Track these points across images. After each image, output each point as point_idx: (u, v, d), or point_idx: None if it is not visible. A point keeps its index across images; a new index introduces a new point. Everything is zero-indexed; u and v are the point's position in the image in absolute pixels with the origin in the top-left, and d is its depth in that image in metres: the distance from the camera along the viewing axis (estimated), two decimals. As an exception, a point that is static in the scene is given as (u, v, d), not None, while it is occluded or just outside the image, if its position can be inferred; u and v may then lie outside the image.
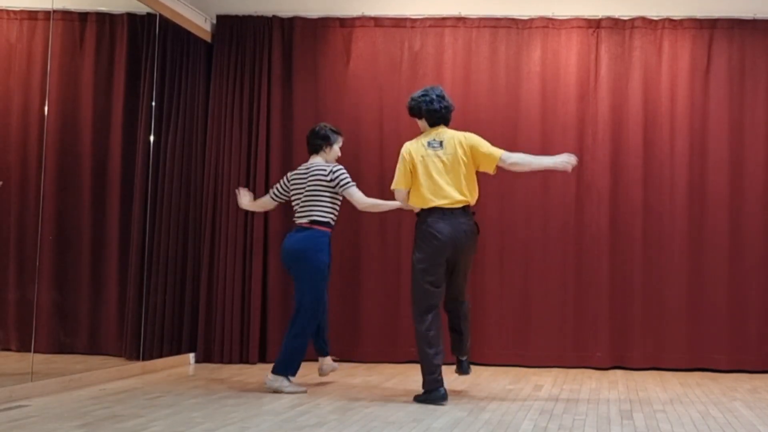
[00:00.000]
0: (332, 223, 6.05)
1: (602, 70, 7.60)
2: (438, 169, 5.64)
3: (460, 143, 5.71)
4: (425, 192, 5.63)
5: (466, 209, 5.69)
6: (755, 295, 7.41)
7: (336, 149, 6.18)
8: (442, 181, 5.62)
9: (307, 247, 5.93)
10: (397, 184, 5.76)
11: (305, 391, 5.91)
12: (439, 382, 5.53)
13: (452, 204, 5.62)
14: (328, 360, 6.35)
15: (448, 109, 5.79)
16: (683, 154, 7.52)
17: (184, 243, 7.44)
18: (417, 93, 5.84)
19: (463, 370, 5.95)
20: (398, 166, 5.75)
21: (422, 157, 5.66)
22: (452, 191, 5.62)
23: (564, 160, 5.78)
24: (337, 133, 6.22)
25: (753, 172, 7.47)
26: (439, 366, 5.55)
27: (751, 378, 7.07)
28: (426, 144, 5.70)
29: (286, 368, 5.91)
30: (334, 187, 5.97)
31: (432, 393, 5.52)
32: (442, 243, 5.59)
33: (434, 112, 5.74)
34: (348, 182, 5.97)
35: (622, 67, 7.61)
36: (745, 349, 7.38)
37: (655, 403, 5.77)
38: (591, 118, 7.60)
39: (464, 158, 5.69)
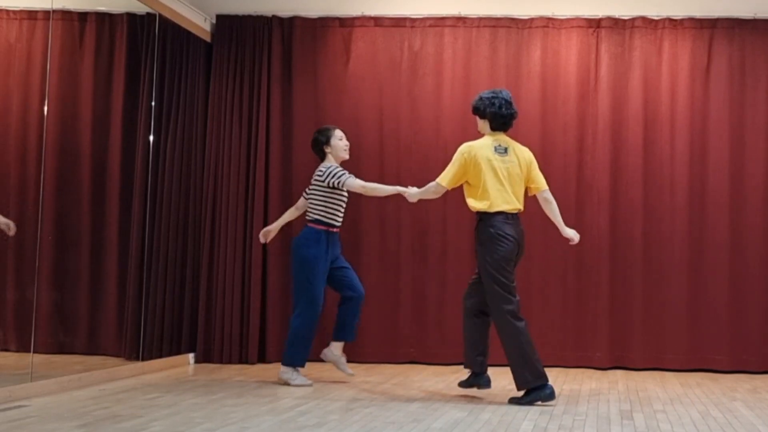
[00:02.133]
0: (324, 220, 6.24)
1: (602, 70, 7.60)
2: (503, 175, 5.70)
3: (522, 155, 5.83)
4: (493, 195, 5.66)
5: (518, 216, 5.78)
6: (756, 295, 7.41)
7: (336, 143, 6.34)
8: (507, 187, 5.70)
9: (295, 243, 6.30)
10: (446, 180, 5.75)
11: (311, 384, 6.17)
12: (545, 377, 5.58)
13: (513, 210, 5.71)
14: (336, 346, 6.41)
15: (512, 117, 5.84)
16: (683, 154, 7.52)
17: (183, 243, 7.44)
18: (486, 93, 5.87)
19: (485, 383, 5.81)
20: (455, 164, 5.73)
21: (489, 159, 5.69)
22: (513, 198, 5.72)
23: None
24: (325, 130, 6.40)
25: (753, 172, 7.47)
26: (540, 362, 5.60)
27: (751, 378, 7.07)
28: (493, 148, 5.74)
29: (292, 359, 6.22)
30: (332, 187, 6.19)
31: (541, 390, 5.55)
32: (512, 245, 5.65)
33: (500, 117, 5.79)
34: (340, 175, 6.18)
35: (622, 67, 7.61)
36: (745, 349, 7.37)
37: (655, 403, 5.77)
38: (591, 117, 7.60)
39: (522, 170, 5.80)
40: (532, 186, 5.88)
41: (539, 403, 5.53)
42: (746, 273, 7.42)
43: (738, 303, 7.42)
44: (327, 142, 6.33)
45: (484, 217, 5.69)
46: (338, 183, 6.17)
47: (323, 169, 6.24)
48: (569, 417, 5.17)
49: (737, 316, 7.41)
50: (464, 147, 5.77)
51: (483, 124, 5.86)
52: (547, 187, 5.93)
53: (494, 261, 5.63)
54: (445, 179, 5.77)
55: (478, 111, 5.85)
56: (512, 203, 5.70)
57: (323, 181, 6.20)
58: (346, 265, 6.41)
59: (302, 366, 6.28)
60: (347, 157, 6.43)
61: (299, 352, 6.24)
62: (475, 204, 5.72)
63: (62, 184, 6.73)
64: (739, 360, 7.37)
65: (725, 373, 7.29)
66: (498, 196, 5.65)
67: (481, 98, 5.85)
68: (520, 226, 5.75)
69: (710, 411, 5.47)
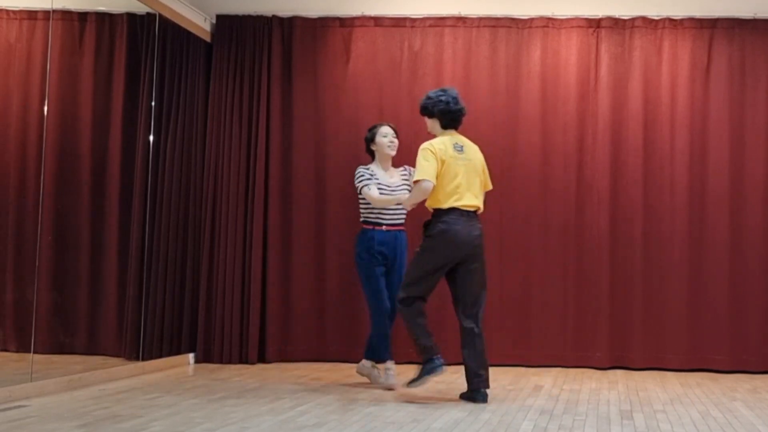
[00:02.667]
0: (370, 219, 6.26)
1: (602, 70, 7.60)
2: (460, 173, 5.67)
3: (476, 154, 5.83)
4: (447, 192, 5.64)
5: (477, 213, 5.77)
6: (756, 295, 7.40)
7: (380, 141, 6.35)
8: (463, 185, 5.67)
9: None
10: (429, 176, 5.59)
11: (392, 388, 6.17)
12: (435, 349, 5.70)
13: (468, 207, 5.69)
14: (367, 362, 6.39)
15: (461, 113, 5.82)
16: (683, 154, 7.52)
17: (183, 243, 7.43)
18: (434, 92, 5.85)
19: (482, 398, 5.67)
20: (427, 159, 5.63)
21: (449, 157, 5.67)
22: (470, 195, 5.70)
23: None
24: (372, 128, 6.46)
25: (753, 172, 7.47)
26: (431, 336, 5.73)
27: (751, 378, 7.07)
28: (452, 146, 5.72)
29: (366, 352, 6.37)
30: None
31: (430, 362, 5.66)
32: (457, 246, 5.63)
33: (449, 114, 5.76)
34: (359, 182, 6.21)
35: (622, 67, 7.61)
36: (745, 349, 7.37)
37: (655, 403, 5.77)
38: (591, 118, 7.60)
39: (478, 168, 5.80)
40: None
41: (431, 377, 5.68)
42: (746, 273, 7.42)
43: (738, 303, 7.42)
44: (372, 140, 6.36)
45: (436, 213, 5.69)
46: (358, 188, 6.20)
47: (355, 173, 6.30)
48: (569, 417, 5.17)
49: (737, 316, 7.41)
50: (427, 144, 5.71)
51: (432, 124, 5.83)
52: (490, 188, 5.95)
53: (430, 257, 5.66)
54: (428, 175, 5.60)
55: (426, 110, 5.82)
56: (467, 200, 5.68)
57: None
58: (398, 271, 6.28)
59: (383, 360, 6.28)
60: (392, 153, 6.41)
61: (377, 348, 6.26)
62: (429, 201, 5.71)
63: (62, 184, 6.73)
64: (739, 360, 7.37)
65: (725, 373, 7.29)
66: (453, 193, 5.64)
67: (428, 97, 5.82)
68: (476, 224, 5.71)
69: (710, 411, 5.47)
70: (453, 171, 5.65)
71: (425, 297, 5.78)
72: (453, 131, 5.82)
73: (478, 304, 5.74)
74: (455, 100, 5.78)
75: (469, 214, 5.69)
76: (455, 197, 5.65)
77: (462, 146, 5.76)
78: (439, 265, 5.69)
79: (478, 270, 5.74)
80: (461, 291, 5.75)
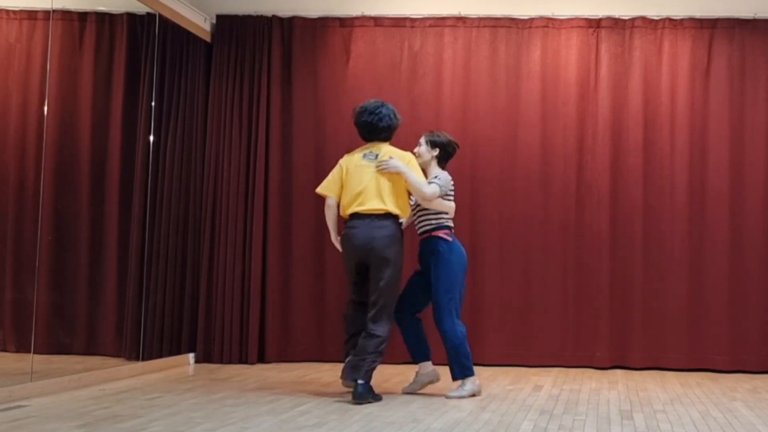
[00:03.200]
0: None
1: (602, 70, 7.60)
2: (367, 179, 5.68)
3: (395, 158, 5.77)
4: (350, 199, 5.72)
5: (388, 216, 5.68)
6: (755, 295, 7.41)
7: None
8: (369, 190, 5.67)
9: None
10: (322, 188, 5.84)
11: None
12: (343, 376, 5.75)
13: (372, 210, 5.67)
14: (425, 366, 6.10)
15: (374, 126, 5.78)
16: (683, 154, 7.52)
17: (183, 243, 7.43)
18: (363, 103, 5.90)
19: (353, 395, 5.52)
20: (331, 172, 5.84)
21: (355, 166, 5.75)
22: (375, 200, 5.67)
23: None
24: None
25: (753, 172, 7.47)
26: (348, 356, 5.73)
27: (751, 378, 7.07)
28: (362, 155, 5.79)
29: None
30: None
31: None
32: (354, 248, 5.67)
33: (358, 127, 5.85)
34: None
35: (622, 67, 7.61)
36: (745, 349, 7.38)
37: (655, 403, 5.77)
38: (591, 118, 7.60)
39: (393, 173, 5.71)
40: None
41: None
42: (746, 273, 7.42)
43: (738, 303, 7.42)
44: None
45: (345, 222, 5.80)
46: None
47: None
48: (569, 417, 5.17)
49: (737, 316, 7.41)
50: (342, 158, 5.86)
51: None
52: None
53: (344, 264, 5.87)
54: (322, 188, 5.83)
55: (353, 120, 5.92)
56: (370, 204, 5.66)
57: None
58: (433, 280, 5.96)
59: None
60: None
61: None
62: (341, 211, 5.81)
63: (62, 184, 6.73)
64: (739, 360, 7.37)
65: (725, 373, 7.29)
66: (354, 200, 5.69)
67: (356, 108, 5.89)
68: (383, 224, 5.62)
69: (710, 411, 5.47)
70: (357, 178, 5.70)
71: (350, 313, 5.85)
72: (376, 142, 5.82)
73: (378, 304, 5.62)
74: (367, 113, 5.77)
75: (371, 216, 5.64)
76: (357, 203, 5.69)
77: (376, 154, 5.74)
78: (348, 270, 5.81)
79: (383, 270, 5.61)
80: (370, 291, 5.70)
